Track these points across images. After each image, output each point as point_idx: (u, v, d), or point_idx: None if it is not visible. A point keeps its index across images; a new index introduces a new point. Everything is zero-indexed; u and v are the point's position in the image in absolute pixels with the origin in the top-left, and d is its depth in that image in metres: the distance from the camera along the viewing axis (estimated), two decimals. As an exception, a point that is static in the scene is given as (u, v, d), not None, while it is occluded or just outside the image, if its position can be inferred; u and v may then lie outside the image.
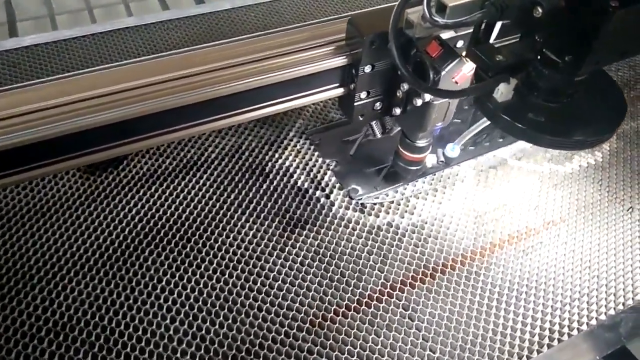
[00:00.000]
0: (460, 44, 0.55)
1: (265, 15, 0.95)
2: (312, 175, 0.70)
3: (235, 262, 0.60)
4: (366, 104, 0.61)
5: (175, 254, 0.61)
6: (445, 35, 0.53)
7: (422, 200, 0.68)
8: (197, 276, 0.59)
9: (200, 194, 0.67)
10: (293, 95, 0.61)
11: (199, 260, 0.60)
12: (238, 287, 0.58)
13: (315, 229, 0.64)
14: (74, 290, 0.57)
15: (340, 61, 0.58)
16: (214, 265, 0.60)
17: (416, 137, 0.62)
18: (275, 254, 0.61)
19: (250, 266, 0.60)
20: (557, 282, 0.61)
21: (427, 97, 0.55)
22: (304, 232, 0.64)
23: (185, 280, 0.58)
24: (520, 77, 0.47)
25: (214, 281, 0.59)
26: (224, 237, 0.63)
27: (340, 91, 0.61)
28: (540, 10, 0.40)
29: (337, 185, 0.69)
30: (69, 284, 0.57)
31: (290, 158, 0.72)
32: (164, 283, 0.58)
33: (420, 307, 0.58)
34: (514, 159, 0.74)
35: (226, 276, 0.59)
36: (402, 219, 0.66)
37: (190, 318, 0.55)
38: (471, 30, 0.53)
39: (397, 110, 0.61)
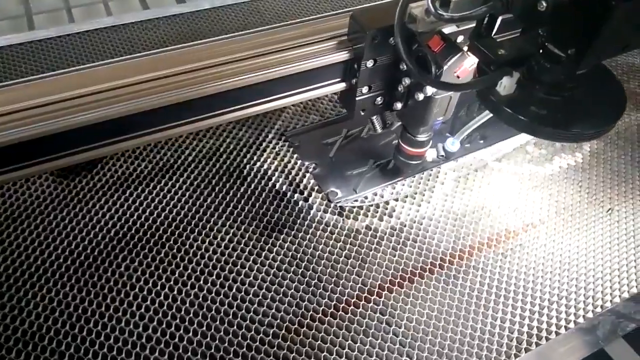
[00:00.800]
0: (460, 39, 0.55)
1: (246, 14, 0.93)
2: (290, 178, 0.69)
3: (210, 267, 0.59)
4: (367, 99, 0.61)
5: (150, 259, 0.60)
6: (447, 30, 0.53)
7: (401, 202, 0.68)
8: (172, 282, 0.58)
9: (177, 197, 0.66)
10: (295, 91, 0.61)
11: (173, 266, 0.59)
12: (213, 293, 0.57)
13: (293, 232, 0.64)
14: (45, 298, 0.56)
15: (342, 56, 0.58)
16: (189, 270, 0.59)
17: (417, 131, 0.63)
18: (252, 259, 0.61)
19: (226, 271, 0.59)
20: (536, 285, 0.60)
21: (430, 91, 0.56)
22: (282, 236, 0.63)
23: (159, 287, 0.57)
24: (523, 71, 0.47)
25: (188, 287, 0.57)
26: (199, 241, 0.62)
27: (341, 86, 0.61)
28: (544, 4, 0.40)
29: (316, 188, 0.68)
30: (39, 291, 0.56)
31: (269, 161, 0.71)
32: (137, 290, 0.57)
33: (397, 311, 0.57)
34: (494, 161, 0.74)
35: (201, 282, 0.58)
36: (381, 222, 0.66)
37: (164, 325, 0.54)
38: (472, 25, 0.53)
39: (398, 105, 0.61)
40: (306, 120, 0.77)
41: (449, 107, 0.59)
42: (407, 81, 0.58)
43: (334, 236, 0.64)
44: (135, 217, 0.63)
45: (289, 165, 0.71)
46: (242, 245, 0.62)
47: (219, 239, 0.62)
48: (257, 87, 0.59)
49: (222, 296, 0.57)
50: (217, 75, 0.58)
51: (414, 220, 0.66)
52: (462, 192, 0.69)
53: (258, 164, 0.71)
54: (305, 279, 0.59)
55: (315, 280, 0.59)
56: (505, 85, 0.47)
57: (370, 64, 0.57)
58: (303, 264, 0.61)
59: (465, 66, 0.51)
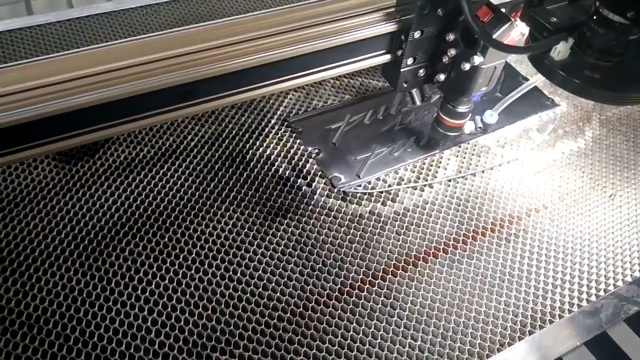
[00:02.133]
0: (503, 10, 0.56)
1: None
2: (293, 164, 0.69)
3: (215, 252, 0.59)
4: (411, 71, 0.62)
5: (154, 244, 0.59)
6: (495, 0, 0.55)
7: (404, 187, 0.68)
8: (176, 266, 0.58)
9: (179, 182, 0.66)
10: (343, 61, 0.62)
11: (177, 251, 0.59)
12: (218, 277, 0.57)
13: (296, 217, 0.63)
14: (49, 282, 0.55)
15: (389, 27, 0.59)
16: (193, 255, 0.59)
17: (460, 102, 0.63)
18: (255, 244, 0.60)
19: (231, 256, 0.59)
20: (540, 270, 0.61)
21: (477, 61, 0.56)
22: (285, 221, 0.63)
23: (163, 271, 0.57)
24: (575, 37, 0.50)
25: (192, 271, 0.57)
26: (203, 226, 0.61)
27: (386, 57, 0.62)
28: None
29: (319, 173, 0.68)
30: (43, 275, 0.56)
31: (272, 146, 0.71)
32: (141, 274, 0.57)
33: (402, 295, 0.57)
34: (496, 146, 0.73)
35: (205, 266, 0.58)
36: (385, 207, 0.66)
37: (169, 309, 0.54)
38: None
39: (442, 76, 0.62)
40: (309, 106, 0.77)
41: (493, 78, 0.60)
42: (452, 52, 0.58)
43: (337, 221, 0.64)
44: (138, 203, 0.63)
45: (292, 151, 0.71)
46: (245, 230, 0.61)
47: (222, 224, 0.62)
48: (303, 58, 0.60)
49: (227, 280, 0.57)
50: (271, 45, 0.59)
51: (417, 205, 0.66)
52: (464, 178, 0.69)
53: (261, 149, 0.70)
54: (310, 264, 0.59)
55: (320, 265, 0.59)
56: (560, 50, 0.49)
57: (417, 34, 0.58)
58: (307, 249, 0.61)
59: (512, 35, 0.52)
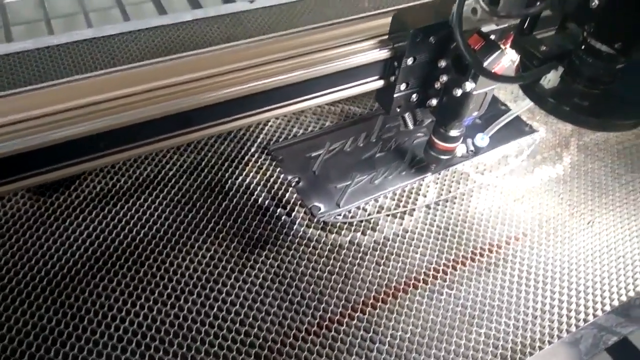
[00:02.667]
0: (492, 37, 0.57)
1: (228, 26, 0.93)
2: (273, 193, 0.69)
3: (191, 286, 0.58)
4: (404, 96, 0.64)
5: (128, 279, 0.58)
6: (485, 29, 0.57)
7: (384, 216, 0.67)
8: (151, 302, 0.56)
9: (156, 214, 0.65)
10: (337, 88, 0.64)
11: (152, 286, 0.58)
12: (194, 313, 0.56)
13: (275, 249, 0.63)
14: (19, 322, 0.54)
15: (383, 54, 0.61)
16: (169, 290, 0.58)
17: (452, 126, 0.65)
18: (233, 277, 0.60)
19: (207, 290, 0.58)
20: (519, 300, 0.60)
21: (468, 87, 0.58)
22: (264, 253, 0.62)
23: (137, 307, 0.56)
24: (564, 65, 0.51)
25: (168, 307, 0.56)
26: (179, 260, 0.60)
27: (380, 83, 0.64)
28: (596, 1, 0.43)
29: (299, 202, 0.68)
30: (13, 314, 0.54)
31: (251, 175, 0.70)
32: (114, 311, 0.55)
33: (381, 328, 0.57)
34: (476, 173, 0.74)
35: (181, 302, 0.57)
36: (365, 236, 0.65)
37: (143, 347, 0.53)
38: (506, 25, 0.58)
39: (434, 101, 0.64)
40: (290, 134, 0.77)
41: (484, 103, 0.62)
42: (444, 78, 0.61)
43: (317, 252, 0.63)
44: (113, 235, 0.62)
45: (272, 180, 0.70)
46: (223, 263, 0.61)
47: (199, 256, 0.61)
48: (298, 86, 0.63)
49: (202, 316, 0.56)
50: (265, 73, 0.61)
51: (397, 234, 0.66)
52: (444, 205, 0.69)
53: (240, 178, 0.70)
54: (288, 297, 0.58)
55: (299, 298, 0.58)
56: (550, 79, 0.50)
57: (410, 61, 0.60)
58: (286, 281, 0.60)
59: (503, 63, 0.54)
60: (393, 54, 0.61)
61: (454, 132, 0.66)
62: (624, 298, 0.61)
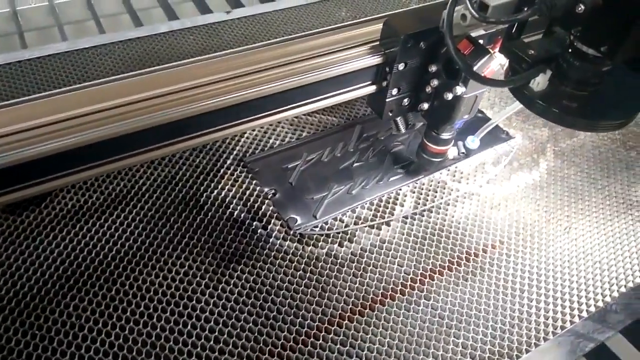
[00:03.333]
0: (481, 42, 0.59)
1: (205, 37, 0.92)
2: (249, 206, 0.68)
3: (164, 303, 0.57)
4: (396, 100, 0.66)
5: (100, 297, 0.57)
6: (474, 34, 0.59)
7: (362, 226, 0.67)
8: (123, 321, 0.55)
9: (129, 230, 0.64)
10: (333, 93, 0.68)
11: (125, 304, 0.57)
12: (167, 332, 0.55)
13: (251, 262, 0.62)
14: (-14, 344, 0.52)
15: (375, 60, 0.63)
16: (142, 308, 0.57)
17: (443, 129, 0.67)
18: (208, 293, 0.59)
19: (181, 307, 0.57)
20: (497, 309, 0.60)
21: (459, 91, 0.60)
22: (240, 267, 0.61)
23: (109, 327, 0.55)
24: (552, 68, 0.53)
25: (140, 326, 0.55)
26: (153, 277, 0.59)
27: (372, 89, 0.67)
28: (582, 6, 0.45)
29: (276, 215, 0.67)
30: (-20, 337, 0.53)
31: (227, 188, 0.70)
32: (86, 331, 0.54)
33: (358, 342, 0.56)
34: (452, 181, 0.74)
35: (154, 320, 0.56)
36: (342, 248, 0.65)
37: (114, 368, 0.52)
38: (493, 30, 0.61)
39: (425, 105, 0.66)
40: (266, 145, 0.76)
41: (474, 106, 0.64)
42: (435, 82, 0.63)
43: (293, 265, 0.62)
44: (85, 253, 0.61)
45: (248, 192, 0.69)
46: (197, 279, 0.60)
47: (173, 272, 0.60)
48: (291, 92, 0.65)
49: (176, 334, 0.55)
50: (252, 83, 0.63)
51: (375, 245, 0.65)
52: (421, 214, 0.69)
53: (215, 192, 0.69)
54: (264, 312, 0.58)
55: (274, 313, 0.58)
56: (539, 82, 0.52)
57: (401, 66, 0.62)
58: (262, 296, 0.59)
59: (492, 67, 0.56)
60: (384, 60, 0.63)
61: (445, 135, 0.67)
62: (600, 304, 0.61)
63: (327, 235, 0.66)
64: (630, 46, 0.45)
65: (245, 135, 0.77)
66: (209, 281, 0.60)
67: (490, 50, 0.57)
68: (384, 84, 0.64)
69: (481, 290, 0.62)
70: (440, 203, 0.71)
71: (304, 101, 0.71)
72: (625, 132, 0.85)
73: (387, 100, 0.65)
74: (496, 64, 0.56)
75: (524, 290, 0.62)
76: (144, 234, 0.63)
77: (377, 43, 0.64)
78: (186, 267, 0.61)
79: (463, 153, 0.75)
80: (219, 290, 0.59)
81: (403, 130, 0.70)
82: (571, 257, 0.66)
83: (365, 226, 0.67)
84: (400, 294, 0.61)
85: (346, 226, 0.67)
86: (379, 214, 0.69)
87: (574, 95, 0.52)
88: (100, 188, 0.68)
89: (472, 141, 0.75)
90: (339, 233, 0.66)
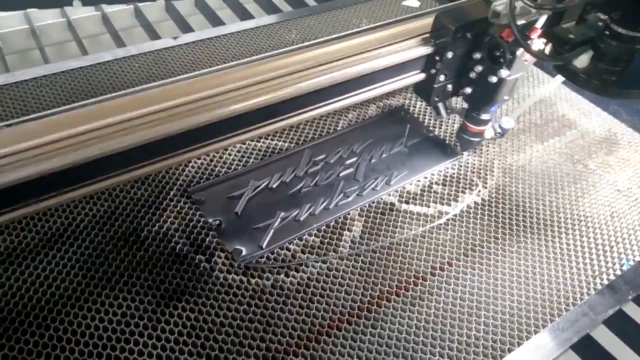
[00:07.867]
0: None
1: (151, 64, 0.91)
2: (192, 238, 0.66)
3: (100, 348, 0.55)
4: (442, 86, 0.74)
5: (32, 345, 0.54)
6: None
7: (309, 254, 0.66)
8: (54, 370, 0.53)
9: (65, 271, 0.61)
10: (388, 81, 0.75)
11: (58, 350, 0.54)
12: (100, 379, 0.52)
13: (193, 299, 0.60)
14: None
15: (426, 50, 0.71)
16: (76, 354, 0.54)
17: (485, 110, 0.73)
18: (146, 334, 0.56)
19: (117, 351, 0.55)
20: (445, 334, 0.59)
21: (504, 74, 0.66)
22: (180, 305, 0.59)
23: (39, 377, 0.52)
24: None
25: (72, 374, 0.53)
26: (88, 320, 0.57)
27: (421, 76, 0.75)
28: None
29: (220, 247, 0.65)
30: None
31: (170, 220, 0.68)
32: (13, 384, 0.51)
33: (303, 377, 0.54)
34: (400, 202, 0.73)
35: (87, 367, 0.53)
36: (288, 278, 0.63)
37: (42, 423, 0.49)
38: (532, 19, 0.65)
39: (468, 90, 0.72)
40: (212, 173, 0.75)
41: (514, 88, 0.70)
42: (479, 68, 0.69)
43: (237, 299, 0.61)
44: (16, 298, 0.58)
45: (192, 224, 0.68)
46: (136, 320, 0.57)
47: (110, 314, 0.57)
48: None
49: (110, 381, 0.52)
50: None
51: (322, 273, 0.64)
52: (369, 238, 0.68)
53: (157, 225, 0.67)
54: (205, 351, 0.56)
55: (216, 352, 0.56)
56: (583, 59, 0.61)
57: (450, 55, 0.69)
58: (203, 334, 0.57)
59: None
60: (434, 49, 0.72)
61: (485, 116, 0.73)
62: (547, 324, 0.61)
63: (273, 265, 0.64)
64: None
65: (191, 163, 0.76)
66: (147, 322, 0.57)
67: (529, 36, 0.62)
68: (432, 71, 0.72)
69: (429, 316, 0.61)
70: (389, 225, 0.70)
71: (251, 126, 0.70)
72: (571, 145, 0.86)
73: (435, 86, 0.72)
74: (535, 48, 0.61)
75: (472, 313, 0.61)
76: (80, 274, 0.61)
77: (335, 63, 0.69)
78: (124, 308, 0.58)
79: (499, 133, 0.79)
80: (158, 331, 0.57)
81: (444, 115, 0.77)
82: (520, 276, 0.66)
83: (312, 254, 0.66)
84: (347, 323, 0.59)
85: (293, 255, 0.65)
86: (326, 241, 0.67)
87: (610, 70, 0.61)
88: (36, 227, 0.65)
89: (507, 122, 0.78)
90: (285, 262, 0.65)
